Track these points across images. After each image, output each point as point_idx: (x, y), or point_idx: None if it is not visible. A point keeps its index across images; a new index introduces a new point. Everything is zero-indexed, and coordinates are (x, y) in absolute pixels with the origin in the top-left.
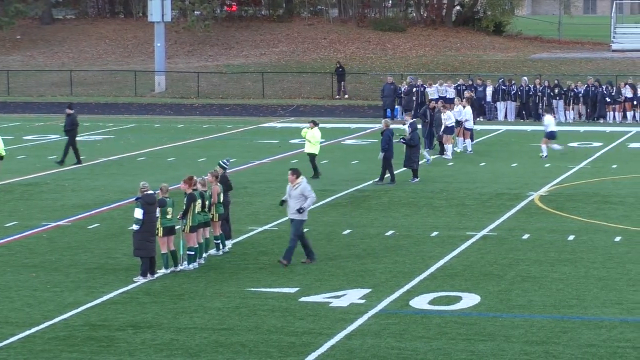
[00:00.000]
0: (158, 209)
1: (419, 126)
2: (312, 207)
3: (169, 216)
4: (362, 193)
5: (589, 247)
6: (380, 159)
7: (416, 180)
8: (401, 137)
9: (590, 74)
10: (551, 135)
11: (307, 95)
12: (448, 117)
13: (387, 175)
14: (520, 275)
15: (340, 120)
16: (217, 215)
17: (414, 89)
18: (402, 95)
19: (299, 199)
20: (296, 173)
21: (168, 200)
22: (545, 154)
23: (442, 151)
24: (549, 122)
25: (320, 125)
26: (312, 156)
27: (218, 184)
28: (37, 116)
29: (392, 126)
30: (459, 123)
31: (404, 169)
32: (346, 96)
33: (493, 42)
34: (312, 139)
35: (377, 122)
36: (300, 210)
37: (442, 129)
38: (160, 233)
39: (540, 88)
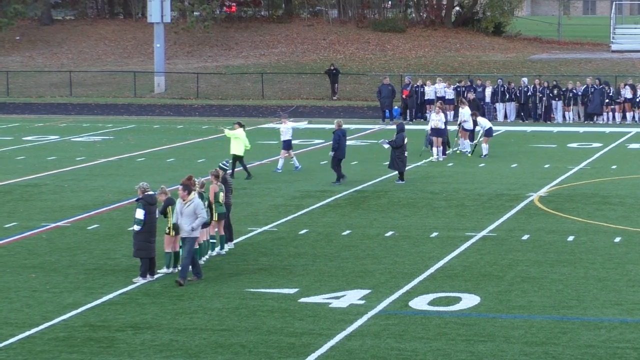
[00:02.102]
0: (168, 208)
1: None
2: (312, 207)
3: None
4: (362, 194)
5: (588, 248)
6: (331, 156)
7: (401, 182)
8: (388, 138)
9: (590, 75)
10: (489, 133)
11: (307, 96)
12: (439, 120)
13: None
14: (519, 276)
15: None
16: (216, 214)
17: (415, 89)
18: (404, 97)
19: (191, 217)
20: (187, 189)
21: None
22: (485, 153)
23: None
24: (484, 122)
25: (319, 125)
26: (237, 158)
27: (218, 183)
28: (37, 117)
29: (344, 126)
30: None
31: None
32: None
33: (492, 42)
34: (232, 136)
35: (376, 123)
36: (192, 229)
37: (429, 131)
38: (172, 233)
39: (540, 89)
